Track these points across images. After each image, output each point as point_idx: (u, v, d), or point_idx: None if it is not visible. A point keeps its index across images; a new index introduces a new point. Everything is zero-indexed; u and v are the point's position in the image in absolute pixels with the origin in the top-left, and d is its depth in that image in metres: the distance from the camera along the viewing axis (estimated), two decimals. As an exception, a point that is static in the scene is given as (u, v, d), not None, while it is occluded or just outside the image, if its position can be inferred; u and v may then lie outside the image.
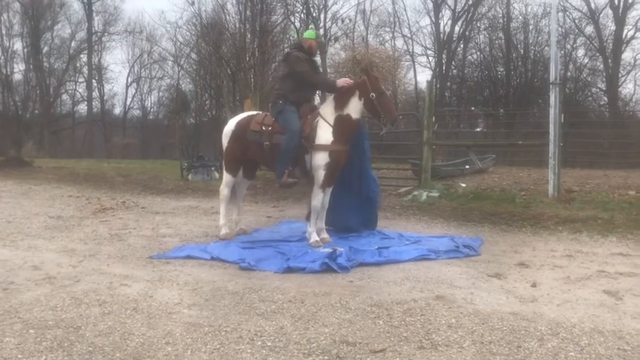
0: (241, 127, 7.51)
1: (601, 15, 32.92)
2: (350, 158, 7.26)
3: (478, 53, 38.18)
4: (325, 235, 7.25)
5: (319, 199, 7.05)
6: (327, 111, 7.04)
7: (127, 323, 4.24)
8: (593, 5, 32.89)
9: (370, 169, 7.81)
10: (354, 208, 7.62)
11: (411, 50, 39.15)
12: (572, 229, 8.01)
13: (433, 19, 38.34)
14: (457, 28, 37.41)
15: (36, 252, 6.75)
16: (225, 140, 7.69)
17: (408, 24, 40.07)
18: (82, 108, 47.44)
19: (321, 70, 7.70)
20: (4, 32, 42.29)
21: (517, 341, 3.89)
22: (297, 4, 33.15)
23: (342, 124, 6.95)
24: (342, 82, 7.10)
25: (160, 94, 47.59)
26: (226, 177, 7.75)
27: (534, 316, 4.43)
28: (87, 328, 4.14)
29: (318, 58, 7.74)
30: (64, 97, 47.25)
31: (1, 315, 4.40)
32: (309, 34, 7.69)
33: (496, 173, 15.02)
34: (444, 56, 37.63)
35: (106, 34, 46.43)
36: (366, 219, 7.76)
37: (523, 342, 3.88)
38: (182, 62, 39.36)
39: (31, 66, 42.28)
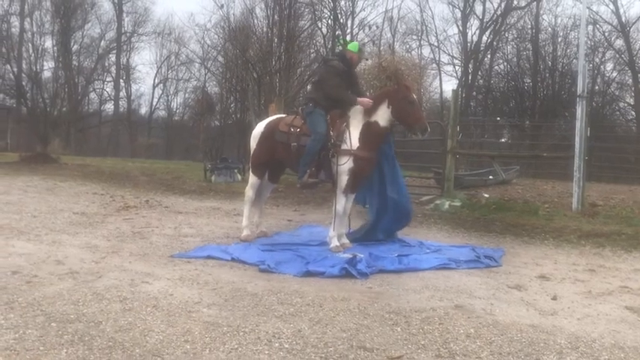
0: (270, 128, 7.58)
1: (631, 29, 32.57)
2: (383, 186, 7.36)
3: (505, 64, 37.96)
4: (345, 241, 7.26)
5: (342, 203, 7.06)
6: (356, 117, 7.07)
7: (147, 320, 4.29)
8: (623, 19, 32.54)
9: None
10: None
11: (437, 59, 39.06)
12: (595, 244, 7.93)
13: (461, 28, 38.19)
14: (485, 38, 37.17)
15: (60, 247, 6.84)
16: (253, 142, 7.75)
17: (436, 32, 39.81)
18: (109, 107, 48.03)
19: (358, 81, 7.63)
20: (35, 30, 42.95)
21: (536, 354, 3.86)
22: (325, 10, 33.29)
23: (370, 131, 6.97)
24: (363, 100, 7.06)
25: (186, 95, 47.91)
26: (252, 179, 7.80)
27: (554, 329, 4.39)
28: (107, 323, 4.18)
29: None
30: (92, 95, 47.71)
31: (24, 307, 4.47)
32: (352, 46, 7.61)
33: (520, 185, 14.94)
34: (470, 66, 37.40)
35: (135, 34, 47.00)
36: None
37: (542, 355, 3.85)
38: (209, 65, 39.69)
39: (61, 64, 42.72)
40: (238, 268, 6.12)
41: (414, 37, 39.42)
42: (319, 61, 29.93)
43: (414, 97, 7.10)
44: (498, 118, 31.23)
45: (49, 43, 43.50)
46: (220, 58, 35.91)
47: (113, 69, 46.57)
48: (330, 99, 7.18)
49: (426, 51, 39.37)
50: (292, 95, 24.17)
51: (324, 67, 7.41)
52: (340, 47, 30.93)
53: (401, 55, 31.47)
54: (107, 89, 47.55)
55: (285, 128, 7.35)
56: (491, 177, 14.90)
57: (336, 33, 33.41)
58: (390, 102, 7.01)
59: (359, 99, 7.09)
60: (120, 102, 46.75)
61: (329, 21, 34.07)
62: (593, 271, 6.48)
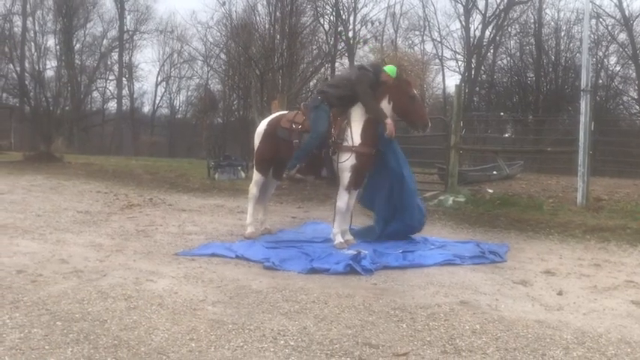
0: (272, 125, 7.57)
1: (635, 22, 32.46)
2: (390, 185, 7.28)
3: (508, 58, 37.84)
4: (350, 237, 7.24)
5: (344, 200, 7.04)
6: (357, 113, 7.02)
7: (152, 318, 4.28)
8: (627, 12, 32.44)
9: (415, 196, 7.48)
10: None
11: (440, 54, 39.06)
12: (600, 238, 7.91)
13: (463, 23, 38.12)
14: (487, 33, 37.10)
15: (64, 246, 6.84)
16: (256, 140, 7.75)
17: (438, 28, 39.80)
18: (112, 105, 48.24)
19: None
20: (37, 29, 43.10)
21: (542, 349, 3.85)
22: (327, 7, 33.29)
23: (371, 127, 6.94)
24: (391, 125, 6.89)
25: (189, 93, 47.95)
26: (256, 176, 7.79)
27: (560, 324, 4.38)
28: (112, 321, 4.18)
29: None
30: (95, 94, 47.88)
31: (29, 306, 4.47)
32: (391, 70, 7.16)
33: (524, 180, 14.89)
34: (473, 61, 37.31)
35: (137, 32, 47.12)
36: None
37: (548, 350, 3.84)
38: (211, 62, 39.76)
39: (63, 63, 42.79)
40: (243, 265, 6.11)
41: (417, 32, 39.56)
42: (322, 57, 30.18)
43: (415, 92, 7.06)
44: (502, 113, 31.21)
45: (51, 42, 43.83)
46: (223, 56, 35.99)
47: (116, 67, 46.79)
48: (345, 99, 7.09)
49: (429, 46, 39.49)
50: (295, 92, 24.13)
51: (359, 72, 7.23)
52: (343, 42, 30.95)
53: (403, 51, 31.49)
54: (110, 88, 47.80)
55: (287, 125, 7.33)
56: (495, 172, 14.87)
57: (339, 29, 33.37)
58: (390, 97, 6.98)
59: (388, 122, 6.88)
60: (123, 100, 47.02)
61: (331, 17, 34.12)
62: (598, 265, 6.46)
